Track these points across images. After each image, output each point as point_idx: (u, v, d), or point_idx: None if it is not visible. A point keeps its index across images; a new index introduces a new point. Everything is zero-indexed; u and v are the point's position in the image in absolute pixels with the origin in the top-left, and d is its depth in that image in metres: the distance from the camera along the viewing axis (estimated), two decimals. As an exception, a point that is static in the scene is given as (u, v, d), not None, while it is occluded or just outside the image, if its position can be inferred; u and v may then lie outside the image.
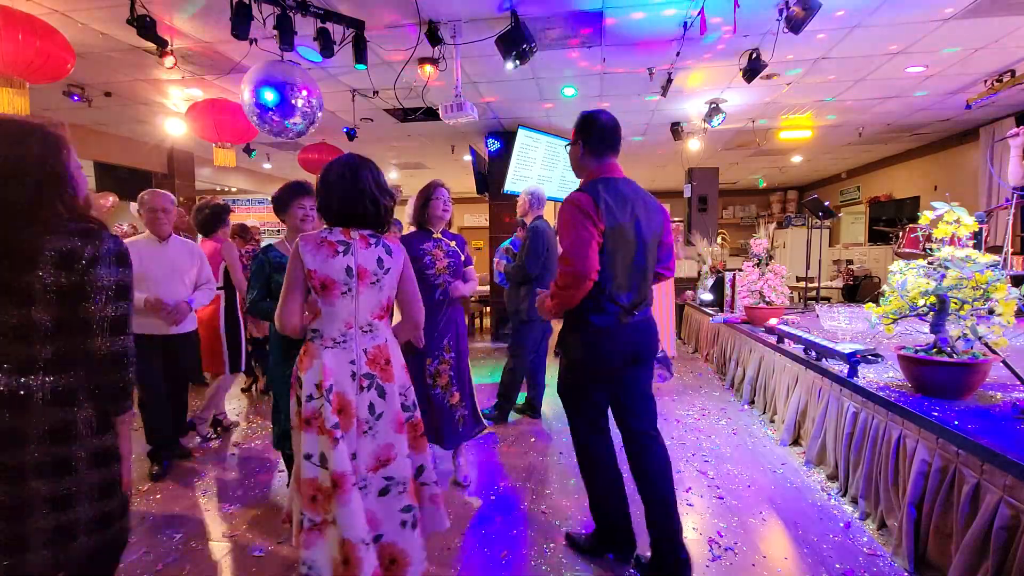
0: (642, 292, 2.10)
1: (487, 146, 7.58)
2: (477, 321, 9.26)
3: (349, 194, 1.80)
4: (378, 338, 1.84)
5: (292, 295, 1.78)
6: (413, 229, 3.02)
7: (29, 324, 1.27)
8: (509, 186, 7.23)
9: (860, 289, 7.99)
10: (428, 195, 2.89)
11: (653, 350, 2.19)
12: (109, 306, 1.32)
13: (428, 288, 2.76)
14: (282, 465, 3.13)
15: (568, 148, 2.19)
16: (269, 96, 3.74)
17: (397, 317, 2.03)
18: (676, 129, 7.07)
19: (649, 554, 2.16)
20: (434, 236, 2.91)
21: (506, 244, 4.65)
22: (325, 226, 1.85)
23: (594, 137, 2.09)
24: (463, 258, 3.00)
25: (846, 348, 2.91)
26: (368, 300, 1.81)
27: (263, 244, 3.22)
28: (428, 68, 4.58)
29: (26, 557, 1.27)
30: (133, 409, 1.44)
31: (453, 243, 2.97)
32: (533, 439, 3.73)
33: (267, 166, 10.24)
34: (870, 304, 2.55)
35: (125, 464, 1.43)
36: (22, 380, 1.27)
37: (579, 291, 1.96)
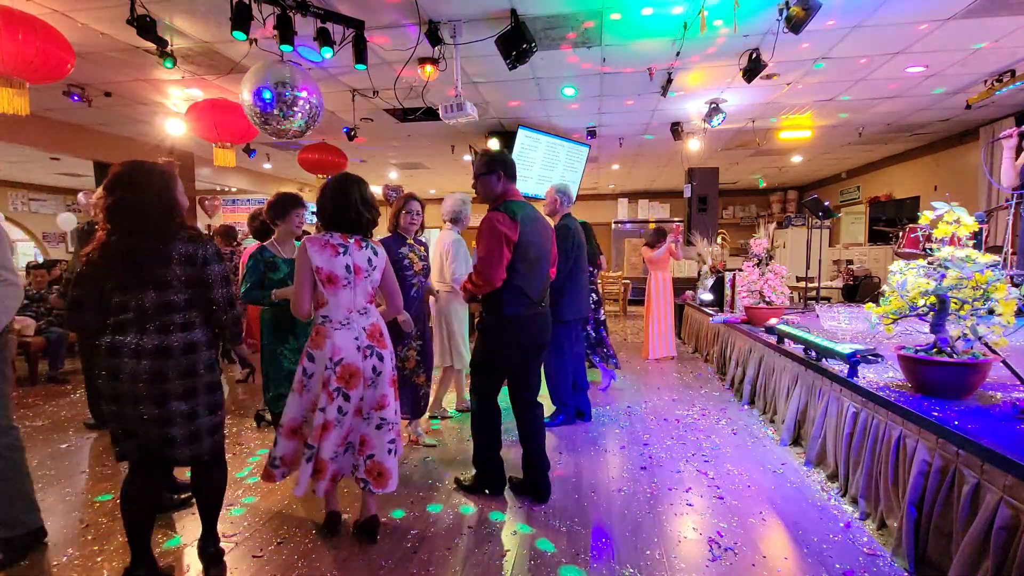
0: (545, 289, 2.75)
1: (487, 147, 7.58)
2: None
3: (340, 206, 2.27)
4: (371, 317, 2.36)
5: (303, 287, 2.22)
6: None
7: (168, 303, 1.94)
8: (509, 186, 7.22)
9: (860, 289, 7.99)
10: (400, 207, 3.40)
11: (548, 339, 2.82)
12: (223, 288, 2.04)
13: (405, 286, 3.28)
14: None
15: (481, 178, 2.67)
16: (268, 96, 3.74)
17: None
18: (676, 129, 7.07)
19: (521, 479, 2.86)
20: (408, 242, 3.42)
21: None
22: (322, 231, 2.33)
23: (509, 169, 2.68)
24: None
25: (846, 348, 2.91)
26: (362, 290, 2.31)
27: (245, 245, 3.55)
28: (428, 68, 4.58)
29: (175, 452, 1.99)
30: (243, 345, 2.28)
31: (423, 248, 3.53)
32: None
33: (267, 166, 10.23)
34: (870, 304, 2.55)
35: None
36: (165, 337, 1.94)
37: (489, 289, 2.59)
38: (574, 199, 4.13)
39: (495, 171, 2.64)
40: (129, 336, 1.92)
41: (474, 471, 2.91)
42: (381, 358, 2.33)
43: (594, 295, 4.72)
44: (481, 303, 2.75)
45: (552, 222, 3.99)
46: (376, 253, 2.35)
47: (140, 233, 1.92)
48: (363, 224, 2.32)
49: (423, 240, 3.63)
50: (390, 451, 2.35)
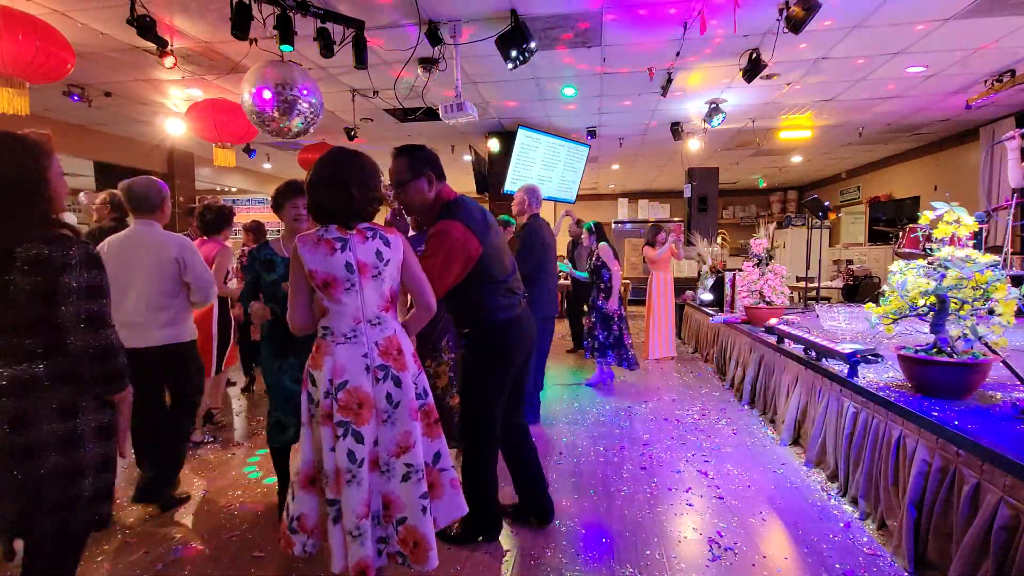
0: (519, 280, 2.37)
1: (487, 147, 7.58)
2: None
3: (328, 190, 1.81)
4: (387, 330, 1.85)
5: (297, 296, 1.83)
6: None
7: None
8: (509, 186, 7.23)
9: (860, 289, 7.99)
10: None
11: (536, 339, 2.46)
12: (78, 304, 1.45)
13: None
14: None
15: (406, 187, 2.15)
16: (267, 96, 3.74)
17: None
18: (676, 129, 7.07)
19: (517, 504, 2.53)
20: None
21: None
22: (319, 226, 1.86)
23: (437, 166, 2.19)
24: None
25: (846, 348, 2.91)
26: (372, 293, 1.82)
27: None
28: (428, 68, 4.58)
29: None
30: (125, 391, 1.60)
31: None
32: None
33: (267, 166, 10.23)
34: (870, 304, 2.55)
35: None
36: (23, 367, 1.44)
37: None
38: (542, 199, 4.15)
39: (422, 173, 2.14)
40: None
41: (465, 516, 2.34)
42: (399, 383, 1.81)
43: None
44: (461, 318, 2.32)
45: (519, 221, 4.02)
46: (388, 243, 1.84)
47: None
48: (353, 207, 1.82)
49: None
50: (424, 509, 1.79)
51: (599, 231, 5.21)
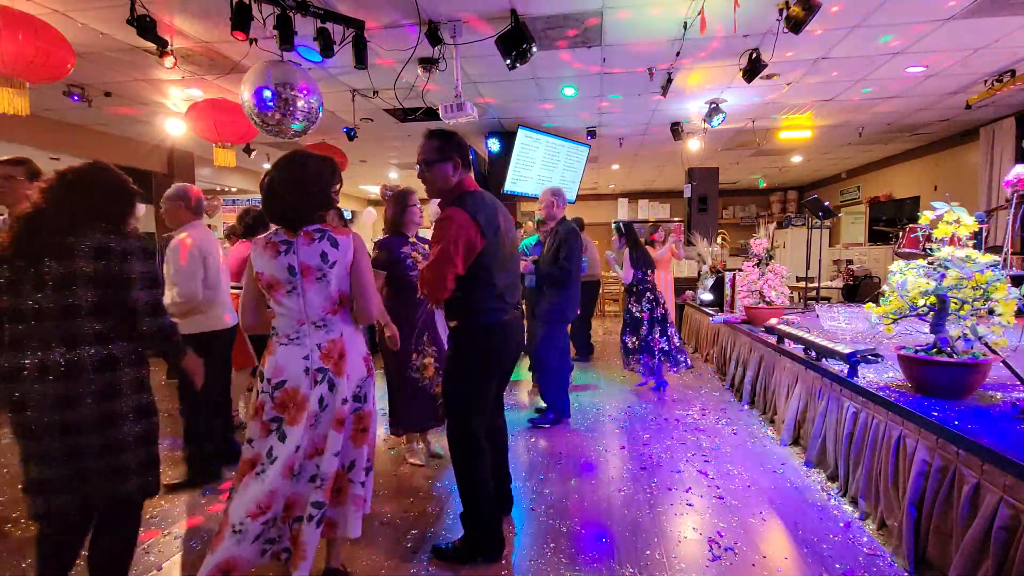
0: (518, 290, 2.37)
1: (487, 147, 7.58)
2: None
3: (269, 192, 1.87)
4: (332, 332, 1.88)
5: (246, 294, 1.94)
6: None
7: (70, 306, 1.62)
8: (509, 186, 7.23)
9: (860, 289, 7.99)
10: (405, 203, 3.16)
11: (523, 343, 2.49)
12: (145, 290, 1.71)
13: (411, 287, 3.01)
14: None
15: (432, 167, 2.18)
16: (268, 96, 3.74)
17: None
18: (676, 129, 7.07)
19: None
20: (410, 240, 3.17)
21: (521, 246, 4.63)
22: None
23: (465, 154, 2.21)
24: None
25: (846, 348, 2.91)
26: (316, 296, 1.85)
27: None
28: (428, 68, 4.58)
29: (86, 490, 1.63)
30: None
31: (426, 246, 3.16)
32: (533, 439, 3.73)
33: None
34: (870, 304, 2.55)
35: None
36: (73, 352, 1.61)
37: (434, 302, 2.22)
38: (568, 201, 4.20)
39: (449, 158, 2.17)
40: (27, 353, 1.56)
41: (461, 534, 2.31)
42: (332, 387, 1.84)
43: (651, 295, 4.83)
44: (448, 311, 2.26)
45: (549, 225, 4.04)
46: (336, 245, 1.86)
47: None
48: (297, 212, 1.85)
49: (425, 238, 3.36)
50: (312, 518, 1.80)
51: (629, 232, 4.94)
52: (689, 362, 4.92)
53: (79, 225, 1.61)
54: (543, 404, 4.17)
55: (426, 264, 2.13)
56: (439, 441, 3.49)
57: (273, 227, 1.97)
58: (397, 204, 3.19)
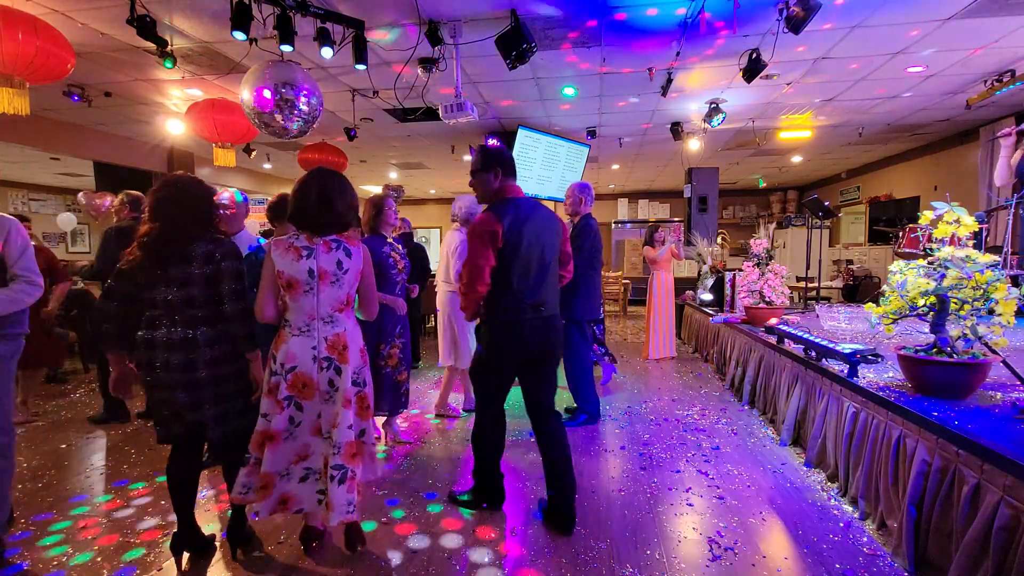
0: (544, 294, 2.50)
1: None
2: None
3: (299, 204, 2.14)
4: (338, 327, 2.17)
5: (265, 291, 2.15)
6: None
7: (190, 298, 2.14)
8: (509, 186, 7.22)
9: (860, 289, 7.99)
10: (381, 205, 3.42)
11: (558, 344, 2.60)
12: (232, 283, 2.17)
13: (391, 284, 3.34)
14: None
15: (478, 175, 2.53)
16: (268, 96, 3.74)
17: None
18: (676, 129, 7.07)
19: (546, 500, 2.61)
20: (388, 241, 3.40)
21: None
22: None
23: (508, 165, 2.53)
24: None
25: (846, 348, 2.91)
26: (328, 296, 2.15)
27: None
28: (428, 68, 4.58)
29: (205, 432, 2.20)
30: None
31: (401, 246, 3.53)
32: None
33: (267, 166, 10.23)
34: (870, 304, 2.55)
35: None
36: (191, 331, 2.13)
37: (476, 296, 2.43)
38: (543, 199, 4.19)
39: (491, 168, 2.49)
40: (160, 330, 2.12)
41: (472, 483, 2.77)
42: (340, 372, 2.14)
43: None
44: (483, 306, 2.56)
45: (573, 221, 4.04)
46: (349, 255, 2.17)
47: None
48: (326, 223, 2.15)
49: (397, 238, 3.71)
50: (332, 477, 2.11)
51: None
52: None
53: (191, 236, 2.11)
54: (573, 405, 4.12)
55: (462, 264, 2.44)
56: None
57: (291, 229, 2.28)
58: (374, 207, 3.43)
